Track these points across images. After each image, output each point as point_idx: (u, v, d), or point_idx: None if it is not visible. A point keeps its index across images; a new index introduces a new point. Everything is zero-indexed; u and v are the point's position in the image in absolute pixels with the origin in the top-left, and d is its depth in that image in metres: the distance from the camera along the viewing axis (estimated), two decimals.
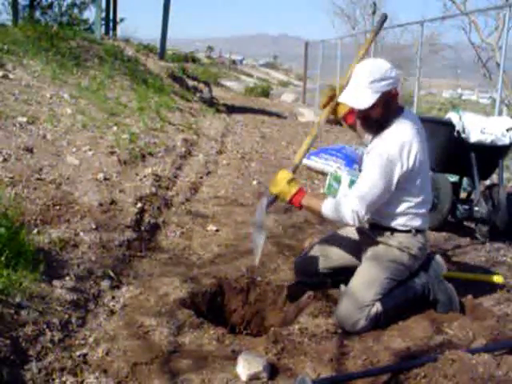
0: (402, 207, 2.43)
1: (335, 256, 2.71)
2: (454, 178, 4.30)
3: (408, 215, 2.44)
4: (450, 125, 3.84)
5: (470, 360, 1.97)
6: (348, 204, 2.32)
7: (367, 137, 2.62)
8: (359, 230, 2.66)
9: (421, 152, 2.35)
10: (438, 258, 2.69)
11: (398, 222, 2.45)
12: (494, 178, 4.61)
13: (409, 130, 2.36)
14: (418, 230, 2.47)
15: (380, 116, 2.37)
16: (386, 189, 2.32)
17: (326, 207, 2.38)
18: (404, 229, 2.45)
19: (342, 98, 2.39)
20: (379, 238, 2.50)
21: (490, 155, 3.88)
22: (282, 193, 2.44)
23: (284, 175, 2.44)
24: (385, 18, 2.63)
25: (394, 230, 2.47)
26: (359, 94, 2.31)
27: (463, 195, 4.39)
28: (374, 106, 2.31)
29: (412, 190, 2.40)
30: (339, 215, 2.35)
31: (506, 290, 2.89)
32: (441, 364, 1.98)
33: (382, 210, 2.44)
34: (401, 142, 2.30)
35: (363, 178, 2.35)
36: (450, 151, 3.95)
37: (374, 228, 2.53)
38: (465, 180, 4.41)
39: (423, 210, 2.48)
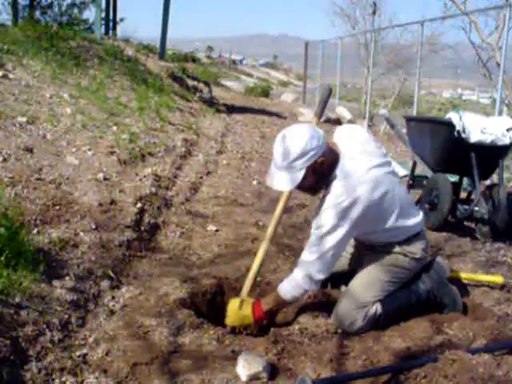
0: (384, 234, 2.39)
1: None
2: (453, 178, 4.30)
3: (396, 233, 2.39)
4: (450, 125, 3.84)
5: (470, 360, 1.97)
6: (307, 279, 2.27)
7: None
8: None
9: (368, 201, 2.20)
10: (441, 260, 2.66)
11: (392, 239, 2.42)
12: (494, 178, 4.61)
13: (348, 188, 2.19)
14: (415, 235, 2.44)
15: (314, 182, 2.26)
16: (338, 250, 2.26)
17: (286, 293, 2.33)
18: (401, 240, 2.42)
19: (269, 183, 2.27)
20: (381, 249, 2.46)
21: (490, 155, 3.87)
22: (244, 322, 2.38)
23: (232, 306, 2.39)
24: (329, 91, 2.58)
25: (392, 243, 2.43)
26: (283, 177, 2.19)
27: (463, 195, 4.39)
28: (303, 181, 2.18)
29: (379, 225, 2.32)
30: (300, 291, 2.32)
31: (505, 290, 2.89)
32: (441, 364, 1.98)
33: (369, 239, 2.44)
34: (340, 208, 2.17)
35: (311, 255, 2.25)
36: (450, 151, 3.95)
37: (374, 246, 2.50)
38: (465, 180, 4.41)
39: (409, 221, 2.40)
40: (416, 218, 2.44)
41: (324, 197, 2.27)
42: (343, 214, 2.17)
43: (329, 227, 2.19)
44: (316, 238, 2.24)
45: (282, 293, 2.34)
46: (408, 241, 2.42)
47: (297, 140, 2.15)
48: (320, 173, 2.23)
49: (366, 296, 2.38)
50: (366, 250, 2.55)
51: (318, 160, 2.17)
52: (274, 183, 2.24)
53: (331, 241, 2.20)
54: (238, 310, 2.37)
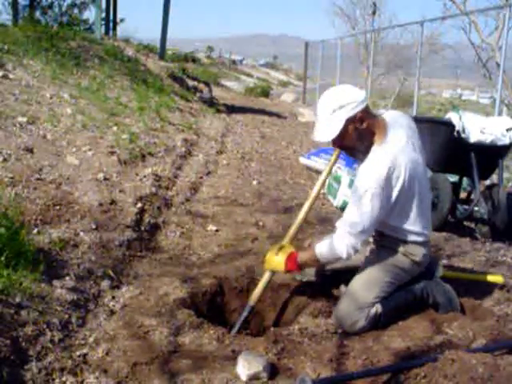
0: (404, 223, 2.39)
1: None
2: (453, 178, 4.30)
3: (410, 229, 2.40)
4: (450, 125, 3.84)
5: (469, 360, 1.97)
6: (342, 242, 2.29)
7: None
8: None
9: (407, 172, 2.23)
10: (435, 260, 2.69)
11: (406, 235, 2.41)
12: (494, 178, 4.61)
13: (390, 153, 2.22)
14: (422, 242, 2.45)
15: (356, 142, 2.30)
16: (374, 219, 2.26)
17: (322, 254, 2.36)
18: (409, 240, 2.43)
19: (312, 136, 2.36)
20: (386, 243, 2.47)
21: (490, 155, 3.88)
22: (276, 268, 2.49)
23: (271, 251, 2.51)
24: None
25: (402, 240, 2.43)
26: (323, 128, 2.28)
27: (463, 195, 4.40)
28: (343, 135, 2.25)
29: (410, 206, 2.34)
30: (335, 254, 2.33)
31: (505, 290, 2.89)
32: (441, 364, 1.98)
33: (388, 224, 2.41)
34: (382, 173, 2.19)
35: (351, 213, 2.28)
36: (450, 151, 3.95)
37: (383, 236, 2.49)
38: (465, 180, 4.41)
39: (425, 225, 2.43)
40: (428, 228, 2.47)
41: (363, 159, 2.32)
42: (382, 179, 2.20)
43: (366, 190, 2.21)
44: (354, 199, 2.28)
45: (317, 252, 2.38)
46: (414, 243, 2.43)
47: (337, 93, 2.28)
48: (360, 131, 2.27)
49: (367, 297, 2.38)
50: (371, 247, 2.54)
51: (358, 115, 2.23)
52: (315, 135, 2.32)
53: (368, 204, 2.21)
54: (274, 255, 2.47)
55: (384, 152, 2.25)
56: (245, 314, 2.49)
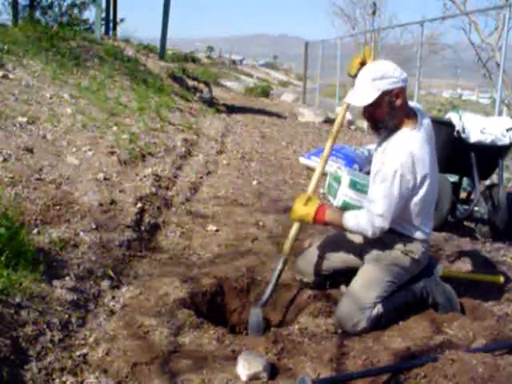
0: (416, 216, 2.41)
1: (336, 257, 2.70)
2: (453, 178, 4.30)
3: (417, 223, 2.43)
4: (450, 125, 3.84)
5: (470, 360, 1.97)
6: (370, 221, 2.33)
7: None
8: None
9: (430, 162, 2.35)
10: (433, 260, 2.69)
11: (411, 230, 2.44)
12: (494, 178, 4.61)
13: (420, 139, 2.34)
14: (423, 240, 2.47)
15: (385, 116, 2.34)
16: (402, 201, 2.32)
17: (348, 222, 2.40)
18: (416, 237, 2.44)
19: (346, 99, 2.43)
20: (387, 240, 2.48)
21: (490, 155, 3.87)
22: (304, 218, 2.47)
23: (299, 199, 2.49)
24: None
25: (405, 236, 2.45)
26: (360, 92, 2.32)
27: (463, 195, 4.39)
28: (376, 105, 2.29)
29: (425, 199, 2.39)
30: (361, 230, 2.39)
31: (505, 290, 2.89)
32: (441, 364, 1.98)
33: (400, 216, 2.42)
34: (412, 155, 2.27)
35: (380, 194, 2.30)
36: (450, 151, 3.94)
37: (386, 231, 2.48)
38: (465, 180, 4.41)
39: (429, 223, 2.49)
40: (431, 227, 2.53)
41: (385, 139, 2.40)
42: (411, 161, 2.27)
43: (395, 170, 2.26)
44: (382, 177, 2.31)
45: (346, 224, 2.41)
46: (416, 240, 2.45)
47: (384, 64, 2.35)
48: (394, 107, 2.32)
49: (368, 297, 2.38)
50: (370, 246, 2.54)
51: (395, 91, 2.29)
52: (348, 97, 2.39)
53: (396, 183, 2.26)
54: (302, 205, 2.46)
55: (416, 137, 2.33)
56: (279, 267, 2.51)
